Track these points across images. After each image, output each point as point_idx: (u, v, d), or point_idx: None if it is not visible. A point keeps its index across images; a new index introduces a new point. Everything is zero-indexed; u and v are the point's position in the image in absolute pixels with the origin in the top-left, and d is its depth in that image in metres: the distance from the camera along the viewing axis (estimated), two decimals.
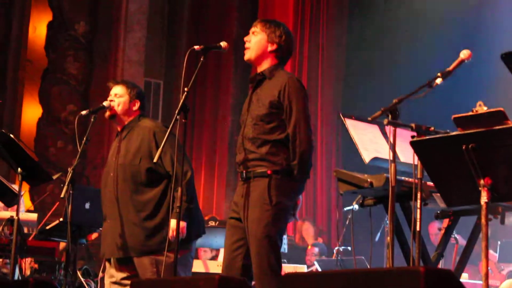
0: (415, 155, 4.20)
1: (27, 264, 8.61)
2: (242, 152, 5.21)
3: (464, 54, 4.80)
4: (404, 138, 4.79)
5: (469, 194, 3.92)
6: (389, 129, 4.78)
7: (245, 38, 5.42)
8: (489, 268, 8.97)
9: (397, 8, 11.11)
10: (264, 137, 5.14)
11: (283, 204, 5.06)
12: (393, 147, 4.65)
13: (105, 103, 6.10)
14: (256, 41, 5.36)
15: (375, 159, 5.06)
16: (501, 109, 3.77)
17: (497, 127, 3.70)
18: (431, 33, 11.13)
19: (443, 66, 4.74)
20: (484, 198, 3.83)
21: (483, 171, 3.82)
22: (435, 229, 9.67)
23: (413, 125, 4.63)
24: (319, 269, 9.44)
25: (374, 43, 11.22)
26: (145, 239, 5.85)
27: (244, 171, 5.17)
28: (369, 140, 5.14)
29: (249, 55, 5.40)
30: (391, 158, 4.62)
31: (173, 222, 5.60)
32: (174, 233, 5.50)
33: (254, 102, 5.28)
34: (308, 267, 9.92)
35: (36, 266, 8.50)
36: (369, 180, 4.95)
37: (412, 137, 4.53)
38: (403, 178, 4.90)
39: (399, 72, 10.85)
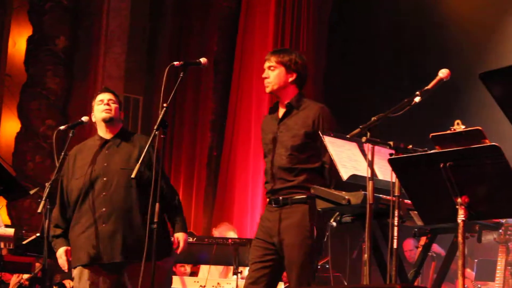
0: (393, 172, 4.21)
1: (15, 280, 8.57)
2: (277, 181, 5.48)
3: (443, 73, 4.83)
4: (382, 155, 4.80)
5: (446, 212, 3.94)
6: (367, 146, 4.79)
7: (263, 75, 5.65)
8: (466, 286, 8.99)
9: (379, 24, 11.15)
10: (301, 166, 5.43)
11: (320, 229, 5.43)
12: (371, 165, 4.67)
13: (84, 119, 6.09)
14: (275, 75, 5.61)
15: (353, 176, 5.06)
16: (479, 127, 3.79)
17: (475, 146, 3.72)
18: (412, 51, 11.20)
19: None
20: (461, 216, 3.85)
21: (461, 189, 3.84)
22: (410, 246, 9.70)
23: (391, 143, 4.65)
24: None
25: (355, 61, 11.27)
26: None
27: (280, 197, 5.44)
28: (347, 157, 5.15)
29: (270, 88, 5.65)
30: (369, 176, 4.64)
31: (182, 235, 5.93)
32: (183, 245, 5.90)
33: (284, 132, 5.55)
34: (285, 283, 9.90)
35: (26, 283, 8.43)
36: (346, 197, 4.95)
37: (390, 154, 4.55)
38: (380, 195, 4.90)
39: (379, 90, 10.91)
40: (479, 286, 9.00)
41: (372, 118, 4.75)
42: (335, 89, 11.55)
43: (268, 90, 5.68)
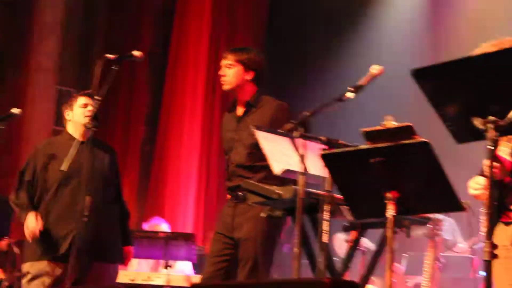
0: (324, 167, 4.23)
1: None
2: (236, 178, 5.61)
3: (376, 69, 4.87)
4: (315, 150, 4.83)
5: (377, 207, 3.97)
6: (300, 141, 4.81)
7: (220, 73, 5.73)
8: (395, 280, 9.10)
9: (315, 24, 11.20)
10: (260, 163, 5.45)
11: (275, 225, 5.59)
12: (303, 159, 4.69)
13: (15, 111, 6.03)
14: (232, 73, 5.71)
15: (286, 171, 5.08)
16: (410, 124, 3.83)
17: (405, 142, 3.76)
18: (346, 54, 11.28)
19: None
20: (390, 211, 3.89)
21: (391, 184, 3.87)
22: (339, 241, 9.77)
23: (323, 138, 4.68)
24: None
25: (293, 57, 11.31)
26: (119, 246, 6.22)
27: (239, 193, 5.52)
28: (280, 152, 5.17)
29: (228, 86, 5.77)
30: (301, 170, 4.66)
31: (131, 248, 6.42)
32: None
33: (243, 130, 5.66)
34: None
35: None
36: (278, 191, 4.97)
37: (323, 149, 4.57)
38: (312, 190, 4.93)
39: (309, 88, 10.97)
40: (408, 280, 9.13)
41: (305, 113, 4.78)
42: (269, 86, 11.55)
43: (225, 88, 5.77)
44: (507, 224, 4.13)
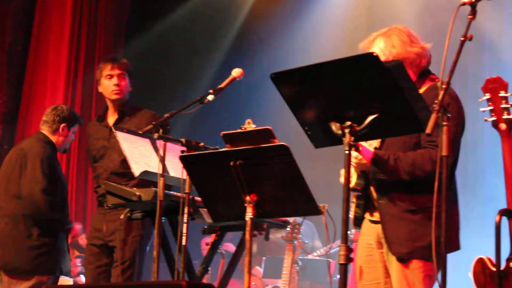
0: (184, 169, 4.22)
1: None
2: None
3: (236, 72, 4.90)
4: (174, 152, 4.81)
5: (236, 209, 3.97)
6: (159, 143, 4.79)
7: (115, 82, 5.85)
8: (254, 283, 9.15)
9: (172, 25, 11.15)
10: None
11: (148, 229, 5.69)
12: (163, 161, 4.66)
13: None
14: (126, 84, 5.90)
15: (145, 172, 5.04)
16: (269, 127, 3.86)
17: (264, 145, 3.78)
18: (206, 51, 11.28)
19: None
20: (249, 214, 3.89)
21: (250, 187, 3.88)
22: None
23: (183, 140, 4.67)
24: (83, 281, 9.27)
25: (153, 57, 11.21)
26: None
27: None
28: (139, 154, 5.13)
29: (121, 95, 5.88)
30: (160, 172, 4.63)
31: None
32: None
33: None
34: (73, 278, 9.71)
35: None
36: (137, 193, 4.93)
37: (182, 151, 4.56)
38: (171, 192, 4.91)
39: (177, 87, 10.93)
40: (267, 283, 9.20)
41: (165, 115, 4.76)
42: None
43: (118, 97, 5.86)
44: (374, 222, 4.21)
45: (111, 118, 5.90)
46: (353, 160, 4.08)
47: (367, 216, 4.29)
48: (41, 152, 6.06)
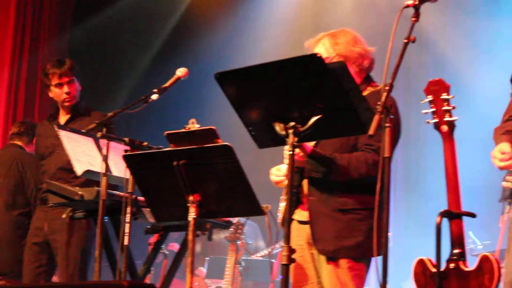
0: (127, 169, 4.19)
1: None
2: (57, 181, 5.41)
3: (180, 71, 4.90)
4: (118, 152, 4.78)
5: (179, 209, 3.96)
6: (103, 142, 4.76)
7: (67, 90, 5.82)
8: (197, 283, 9.13)
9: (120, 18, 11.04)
10: None
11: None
12: (105, 160, 4.63)
13: None
14: (76, 88, 5.89)
15: (88, 171, 5.01)
16: (213, 127, 3.85)
17: (208, 145, 3.78)
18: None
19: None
20: (192, 214, 3.88)
21: (193, 187, 3.87)
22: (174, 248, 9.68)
23: (126, 139, 4.64)
24: None
25: (98, 52, 11.10)
26: None
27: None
28: (82, 152, 5.09)
29: (75, 101, 5.87)
30: (103, 171, 4.61)
31: None
32: None
33: None
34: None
35: None
36: (80, 192, 4.89)
37: (126, 151, 4.53)
38: (114, 191, 4.88)
39: (123, 84, 10.85)
40: (210, 283, 9.18)
41: (108, 114, 4.73)
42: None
43: (73, 103, 5.87)
44: (302, 223, 4.22)
45: (63, 118, 5.90)
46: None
47: (296, 216, 4.29)
48: (33, 161, 6.26)
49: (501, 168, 3.94)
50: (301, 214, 4.25)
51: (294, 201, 3.61)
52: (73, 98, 5.83)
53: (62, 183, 5.28)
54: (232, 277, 7.79)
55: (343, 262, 4.13)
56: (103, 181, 4.59)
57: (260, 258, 8.78)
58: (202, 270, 9.39)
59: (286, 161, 4.14)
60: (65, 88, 5.80)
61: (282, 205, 4.30)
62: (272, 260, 8.32)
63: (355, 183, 4.10)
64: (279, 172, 4.28)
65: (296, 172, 4.19)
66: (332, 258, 4.14)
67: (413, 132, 10.00)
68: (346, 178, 4.10)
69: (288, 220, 3.49)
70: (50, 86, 5.85)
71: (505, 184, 3.98)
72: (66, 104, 5.84)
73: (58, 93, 5.84)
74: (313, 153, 4.09)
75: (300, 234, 4.25)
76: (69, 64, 5.85)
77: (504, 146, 3.90)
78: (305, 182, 4.21)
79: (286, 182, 4.24)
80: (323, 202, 4.15)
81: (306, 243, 4.25)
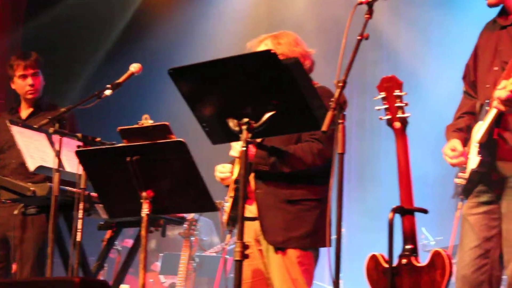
0: (80, 165, 4.16)
1: None
2: (18, 177, 5.47)
3: (134, 67, 4.87)
4: (71, 147, 4.75)
5: (132, 205, 3.95)
6: (56, 138, 4.73)
7: (30, 82, 5.84)
8: (151, 280, 9.11)
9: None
10: None
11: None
12: (58, 156, 4.61)
13: None
14: (40, 82, 5.92)
15: (41, 167, 4.97)
16: (166, 123, 3.84)
17: (161, 141, 3.77)
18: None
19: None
20: (145, 210, 3.87)
21: (146, 183, 3.86)
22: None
23: (79, 134, 4.62)
24: None
25: (51, 48, 10.99)
26: None
27: None
28: (35, 148, 5.05)
29: (38, 94, 5.90)
30: (56, 167, 4.58)
31: None
32: None
33: None
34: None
35: None
36: (32, 188, 4.85)
37: (79, 146, 4.51)
38: (67, 188, 4.85)
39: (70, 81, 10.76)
40: (164, 279, 9.16)
41: (61, 109, 4.70)
42: None
43: (34, 96, 5.88)
44: (250, 219, 4.23)
45: (25, 112, 5.90)
46: (238, 149, 4.11)
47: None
48: None
49: (452, 165, 4.00)
50: (247, 210, 4.27)
51: (242, 197, 3.61)
52: (36, 92, 5.81)
53: (23, 179, 5.26)
54: (185, 273, 7.78)
55: (292, 252, 4.18)
56: (56, 177, 4.56)
57: (214, 254, 8.78)
58: (158, 265, 9.36)
59: (233, 153, 4.19)
60: (29, 80, 5.81)
61: (227, 205, 4.33)
62: (226, 256, 8.32)
63: (302, 174, 4.18)
64: (224, 169, 4.32)
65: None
66: (281, 249, 4.19)
67: (368, 127, 10.08)
68: (293, 169, 4.16)
69: (241, 216, 3.49)
70: (14, 77, 5.85)
71: (457, 180, 4.01)
72: (29, 96, 5.82)
73: (21, 84, 5.83)
74: (259, 146, 4.13)
75: (247, 231, 4.25)
76: (34, 56, 5.86)
77: (455, 143, 3.96)
78: (251, 177, 4.24)
79: (232, 178, 4.28)
80: (271, 195, 4.20)
81: (254, 240, 4.29)
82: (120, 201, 4.08)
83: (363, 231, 9.39)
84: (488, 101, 3.83)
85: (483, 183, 3.94)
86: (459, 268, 3.95)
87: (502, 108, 3.67)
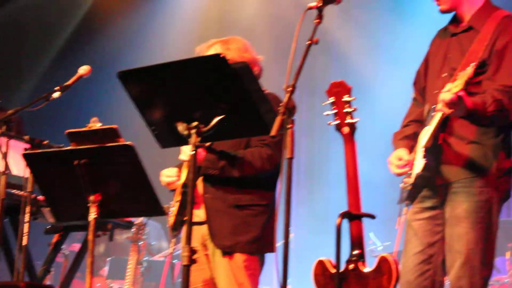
0: (27, 168, 4.11)
1: None
2: None
3: (83, 69, 4.83)
4: (18, 150, 4.70)
5: (80, 209, 3.90)
6: (2, 140, 4.67)
7: None
8: (99, 284, 9.03)
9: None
10: None
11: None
12: (5, 158, 4.55)
13: None
14: None
15: None
16: (115, 126, 3.81)
17: (109, 144, 3.74)
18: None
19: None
20: (92, 214, 3.84)
21: (94, 187, 3.82)
22: None
23: (26, 137, 4.57)
24: None
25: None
26: None
27: None
28: None
29: None
30: (2, 170, 4.52)
31: None
32: None
33: None
34: None
35: None
36: None
37: (26, 149, 4.46)
38: (13, 191, 4.79)
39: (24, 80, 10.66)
40: (112, 284, 9.09)
41: (9, 111, 4.65)
42: None
43: None
44: (196, 224, 4.22)
45: None
46: (187, 154, 4.10)
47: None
48: None
49: (398, 175, 4.02)
50: (194, 215, 4.25)
51: (190, 202, 3.60)
52: None
53: None
54: (133, 277, 7.72)
55: (239, 257, 4.21)
56: (2, 180, 4.51)
57: (163, 259, 8.74)
58: (106, 270, 9.28)
59: (182, 157, 4.19)
60: None
61: (173, 209, 4.32)
62: (174, 261, 8.29)
63: (250, 179, 4.22)
64: (170, 173, 4.33)
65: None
66: (228, 253, 4.21)
67: (317, 131, 10.13)
68: (242, 173, 4.20)
69: (189, 220, 3.48)
70: None
71: (402, 185, 4.04)
72: None
73: None
74: (210, 149, 4.13)
75: (194, 236, 4.23)
76: None
77: (401, 152, 3.98)
78: (199, 181, 4.23)
79: (178, 182, 4.28)
80: (219, 199, 4.24)
81: (201, 245, 4.30)
82: (67, 205, 4.03)
83: (311, 234, 9.44)
84: (435, 106, 3.85)
85: (428, 187, 3.97)
86: (403, 274, 3.97)
87: (446, 110, 3.67)
